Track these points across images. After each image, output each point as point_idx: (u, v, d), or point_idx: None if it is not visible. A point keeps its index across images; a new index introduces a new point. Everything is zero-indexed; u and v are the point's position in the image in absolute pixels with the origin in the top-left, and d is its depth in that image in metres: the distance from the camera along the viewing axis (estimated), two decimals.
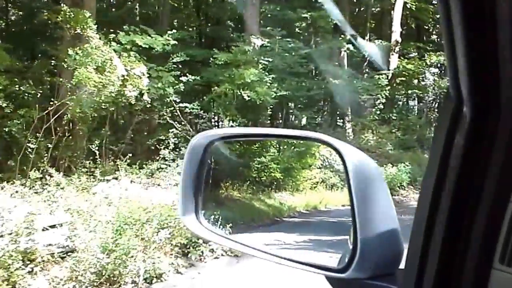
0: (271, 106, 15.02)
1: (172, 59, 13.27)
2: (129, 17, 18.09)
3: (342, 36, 19.63)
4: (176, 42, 13.66)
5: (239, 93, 13.68)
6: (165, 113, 13.09)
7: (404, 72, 22.75)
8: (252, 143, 13.31)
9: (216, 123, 13.75)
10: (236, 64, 14.52)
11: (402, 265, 1.06)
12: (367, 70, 23.47)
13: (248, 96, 13.64)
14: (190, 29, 20.73)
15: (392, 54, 23.16)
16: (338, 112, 21.24)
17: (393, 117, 21.68)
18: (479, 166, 0.79)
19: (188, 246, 7.97)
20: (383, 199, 1.15)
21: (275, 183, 13.59)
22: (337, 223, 10.22)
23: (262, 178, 13.40)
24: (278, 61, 15.97)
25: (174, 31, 14.12)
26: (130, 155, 10.54)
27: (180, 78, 13.40)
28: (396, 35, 23.37)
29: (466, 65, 0.75)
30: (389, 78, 22.16)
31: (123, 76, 10.97)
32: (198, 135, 1.54)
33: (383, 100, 19.83)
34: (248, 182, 12.96)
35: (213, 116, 15.32)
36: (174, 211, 7.73)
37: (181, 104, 13.47)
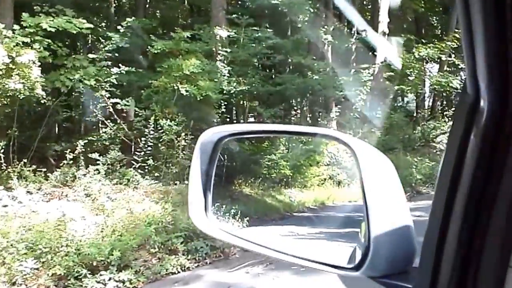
0: (225, 103, 13.18)
1: (105, 47, 11.66)
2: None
3: (326, 27, 18.71)
4: (92, 26, 11.56)
5: (177, 87, 11.99)
6: (95, 110, 11.46)
7: (392, 66, 20.85)
8: (262, 141, 13.46)
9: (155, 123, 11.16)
10: (176, 53, 12.72)
11: (415, 263, 1.06)
12: (354, 64, 22.20)
13: (187, 91, 11.81)
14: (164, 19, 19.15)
15: (378, 45, 21.12)
16: (315, 110, 19.73)
17: (376, 115, 19.45)
18: (496, 163, 0.79)
19: (68, 277, 6.15)
20: (396, 196, 1.14)
21: (284, 179, 13.77)
22: (345, 217, 10.70)
23: (272, 175, 13.53)
24: (242, 52, 14.36)
25: (129, 19, 12.77)
26: (54, 159, 9.71)
27: (112, 70, 11.49)
28: (383, 26, 21.17)
29: (484, 61, 0.74)
30: (375, 73, 20.93)
31: (5, 64, 9.18)
32: (207, 131, 1.51)
33: (364, 97, 18.53)
34: (259, 178, 13.05)
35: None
36: (64, 231, 6.75)
37: (112, 100, 11.62)
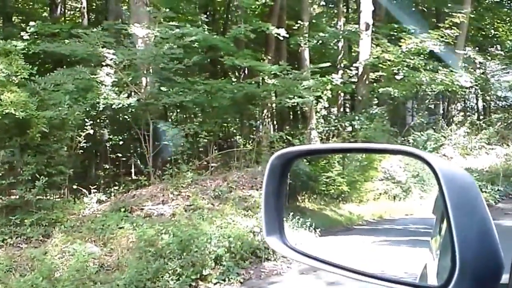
0: (104, 120, 11.56)
1: None
2: None
3: (300, 22, 17.21)
4: None
5: None
6: None
7: (381, 64, 18.29)
8: (319, 159, 14.32)
9: None
10: None
11: (503, 280, 1.09)
12: (342, 65, 20.23)
13: None
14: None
15: (361, 40, 18.78)
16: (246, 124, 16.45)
17: (346, 125, 16.95)
18: None
19: None
20: (480, 211, 1.10)
21: (342, 195, 14.67)
22: (403, 229, 11.97)
23: (330, 191, 14.39)
24: (143, 54, 12.08)
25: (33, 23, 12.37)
26: None
27: None
28: (365, 16, 18.68)
29: None
30: (359, 72, 18.92)
31: None
32: (276, 153, 1.52)
33: (325, 104, 16.51)
34: (319, 194, 14.02)
35: None
36: None
37: None
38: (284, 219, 1.56)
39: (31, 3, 21.02)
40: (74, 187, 9.97)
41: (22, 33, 12.68)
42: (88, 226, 8.51)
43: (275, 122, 17.40)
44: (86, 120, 9.88)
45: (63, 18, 19.26)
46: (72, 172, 9.83)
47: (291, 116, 21.68)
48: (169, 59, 11.67)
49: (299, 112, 20.20)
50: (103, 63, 11.09)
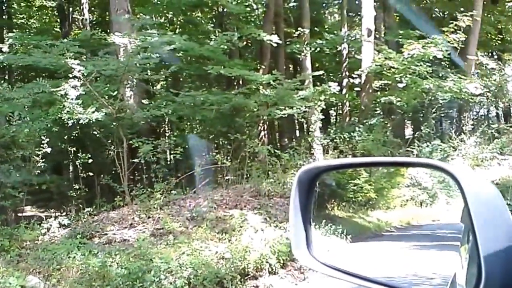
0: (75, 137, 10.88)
1: None
2: None
3: (300, 29, 16.50)
4: None
5: None
6: None
7: (384, 72, 17.40)
8: None
9: None
10: None
11: None
12: (347, 73, 19.58)
13: None
14: None
15: (362, 46, 18.00)
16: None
17: (346, 137, 15.89)
18: None
19: None
20: (506, 223, 1.10)
21: (370, 202, 14.58)
22: (431, 235, 12.20)
23: (357, 198, 14.21)
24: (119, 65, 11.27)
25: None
26: None
27: None
28: (367, 22, 17.83)
29: None
30: (362, 81, 18.23)
31: None
32: (303, 167, 1.54)
33: (320, 116, 15.85)
34: (347, 202, 13.87)
35: None
36: None
37: None
38: (312, 232, 1.55)
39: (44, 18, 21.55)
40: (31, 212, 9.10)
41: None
42: (37, 256, 7.62)
43: (265, 135, 16.30)
44: (43, 138, 8.75)
45: (70, 31, 19.10)
46: (35, 194, 9.00)
47: (286, 128, 20.79)
48: (141, 70, 10.83)
49: (296, 123, 19.31)
50: (69, 75, 10.13)
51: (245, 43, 17.19)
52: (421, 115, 20.08)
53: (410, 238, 11.88)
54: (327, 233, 8.83)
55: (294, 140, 18.14)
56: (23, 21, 21.21)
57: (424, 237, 11.98)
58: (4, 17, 19.47)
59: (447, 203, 15.32)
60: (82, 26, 18.92)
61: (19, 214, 9.52)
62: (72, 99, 9.88)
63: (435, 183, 15.57)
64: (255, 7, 15.88)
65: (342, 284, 1.81)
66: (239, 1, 14.80)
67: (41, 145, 8.66)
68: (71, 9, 20.32)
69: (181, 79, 19.04)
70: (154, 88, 11.71)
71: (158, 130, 15.92)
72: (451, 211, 13.67)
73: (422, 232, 12.79)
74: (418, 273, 7.53)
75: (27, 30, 19.52)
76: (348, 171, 13.43)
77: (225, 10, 16.20)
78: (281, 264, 8.44)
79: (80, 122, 10.09)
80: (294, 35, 18.51)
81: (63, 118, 9.88)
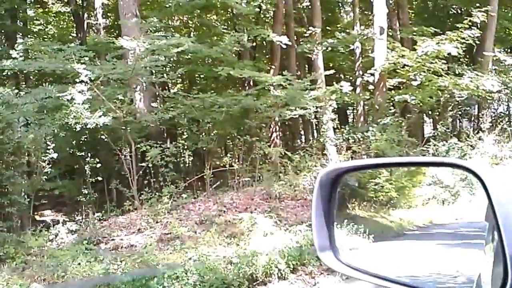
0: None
1: None
2: None
3: (311, 28, 16.13)
4: None
5: None
6: None
7: (398, 70, 16.89)
8: None
9: None
10: None
11: None
12: (360, 72, 19.00)
13: None
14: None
15: (375, 45, 17.55)
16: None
17: (359, 137, 15.34)
18: None
19: None
20: None
21: (391, 201, 14.26)
22: (454, 233, 11.81)
23: (379, 197, 13.94)
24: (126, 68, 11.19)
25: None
26: None
27: None
28: (379, 20, 17.31)
29: None
30: (374, 80, 17.81)
31: None
32: (325, 169, 1.55)
33: (332, 116, 15.56)
34: (368, 201, 13.60)
35: None
36: None
37: None
38: (335, 234, 1.53)
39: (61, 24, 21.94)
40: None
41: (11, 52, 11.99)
42: (42, 263, 7.55)
43: (277, 136, 16.09)
44: (49, 143, 8.81)
45: (86, 36, 19.24)
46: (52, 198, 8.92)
47: (300, 129, 20.67)
48: (150, 73, 10.62)
49: (312, 124, 19.08)
50: (76, 80, 10.12)
51: (255, 43, 16.98)
52: (437, 113, 19.56)
53: (433, 236, 11.92)
54: (349, 233, 8.76)
55: (309, 141, 17.85)
56: (40, 27, 21.47)
57: (447, 235, 11.82)
58: (18, 23, 19.55)
59: (469, 201, 14.77)
60: (96, 31, 18.99)
61: (37, 218, 9.40)
62: (78, 103, 9.82)
63: (457, 181, 15.21)
64: (264, 7, 15.50)
65: (366, 285, 1.77)
66: (248, 1, 14.54)
67: (47, 151, 8.65)
68: (86, 14, 20.40)
69: (197, 81, 19.04)
70: (168, 91, 11.36)
71: (169, 134, 15.83)
72: (474, 210, 13.12)
73: (445, 231, 12.64)
74: (442, 272, 7.34)
75: (43, 36, 19.61)
76: (368, 171, 13.75)
77: (235, 11, 15.96)
78: (291, 269, 8.23)
79: (88, 127, 10.02)
80: (306, 34, 18.23)
81: (69, 123, 9.85)
